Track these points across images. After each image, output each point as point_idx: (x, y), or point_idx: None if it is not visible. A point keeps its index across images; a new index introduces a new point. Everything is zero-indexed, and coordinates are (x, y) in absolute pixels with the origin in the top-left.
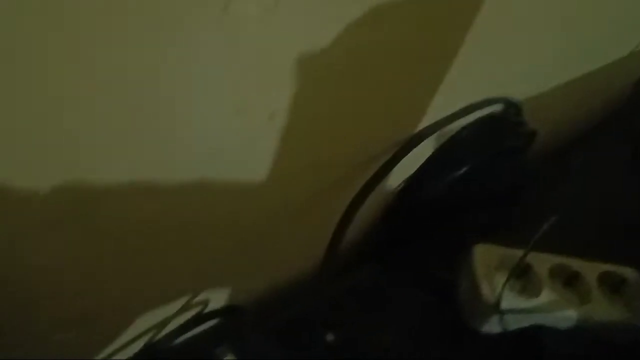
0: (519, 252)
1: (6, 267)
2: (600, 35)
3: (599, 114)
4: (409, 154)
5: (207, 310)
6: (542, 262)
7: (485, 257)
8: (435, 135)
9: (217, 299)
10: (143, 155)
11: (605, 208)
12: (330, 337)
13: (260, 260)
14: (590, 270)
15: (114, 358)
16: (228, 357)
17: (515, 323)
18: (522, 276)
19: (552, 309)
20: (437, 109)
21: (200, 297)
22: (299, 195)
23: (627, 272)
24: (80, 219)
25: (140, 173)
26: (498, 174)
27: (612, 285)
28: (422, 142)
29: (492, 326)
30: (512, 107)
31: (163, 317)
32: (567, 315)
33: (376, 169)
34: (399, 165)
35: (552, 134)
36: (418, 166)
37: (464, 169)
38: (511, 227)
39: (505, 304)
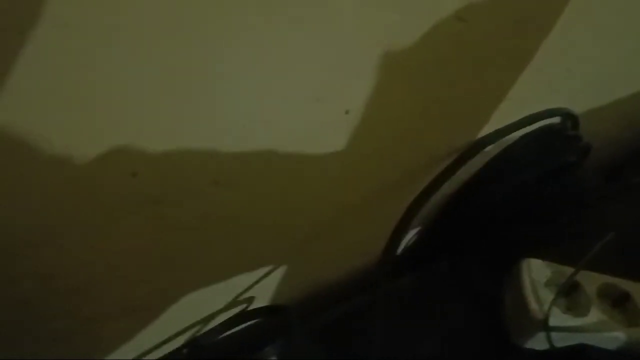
0: (568, 269)
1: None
2: None
3: None
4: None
5: (251, 307)
6: (592, 281)
7: (534, 271)
8: (495, 143)
9: (263, 296)
10: (216, 139)
11: None
12: (371, 341)
13: (312, 259)
14: None
15: (159, 350)
16: (273, 358)
17: (560, 341)
18: (570, 294)
19: (599, 329)
20: (499, 116)
21: (247, 294)
22: (360, 193)
23: None
24: (142, 209)
25: (210, 157)
26: (552, 187)
27: None
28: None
29: (537, 343)
30: (570, 120)
31: (209, 312)
32: (614, 336)
33: (437, 174)
34: (457, 171)
35: (607, 149)
36: (471, 174)
37: (518, 180)
38: (561, 244)
39: (552, 321)
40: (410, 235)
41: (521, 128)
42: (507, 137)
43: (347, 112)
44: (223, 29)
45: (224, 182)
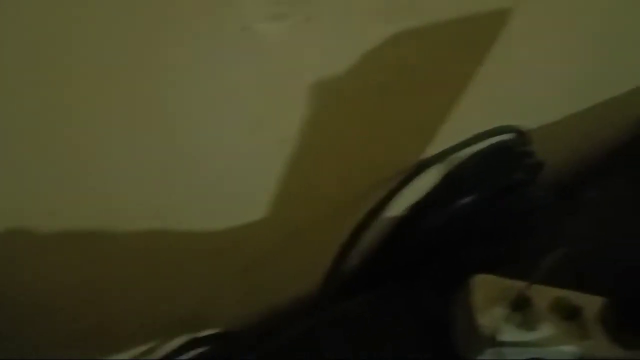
0: (519, 284)
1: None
2: (613, 65)
3: (607, 147)
4: (414, 182)
5: (202, 334)
6: (543, 295)
7: (485, 287)
8: (443, 162)
9: (214, 323)
10: (150, 174)
11: (612, 243)
12: None
13: (259, 285)
14: (593, 305)
15: None
16: None
17: (512, 356)
18: (521, 309)
19: (550, 343)
20: (447, 136)
21: (197, 321)
22: (303, 219)
23: None
24: (80, 243)
25: (144, 195)
26: (503, 205)
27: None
28: (428, 170)
29: (488, 358)
30: (520, 137)
31: (159, 339)
32: (566, 351)
33: (382, 196)
34: (404, 192)
35: (559, 165)
36: (423, 194)
37: (468, 199)
38: (513, 260)
39: (502, 337)
40: (361, 257)
41: (469, 146)
42: (460, 155)
43: (283, 140)
44: (149, 64)
45: (163, 216)
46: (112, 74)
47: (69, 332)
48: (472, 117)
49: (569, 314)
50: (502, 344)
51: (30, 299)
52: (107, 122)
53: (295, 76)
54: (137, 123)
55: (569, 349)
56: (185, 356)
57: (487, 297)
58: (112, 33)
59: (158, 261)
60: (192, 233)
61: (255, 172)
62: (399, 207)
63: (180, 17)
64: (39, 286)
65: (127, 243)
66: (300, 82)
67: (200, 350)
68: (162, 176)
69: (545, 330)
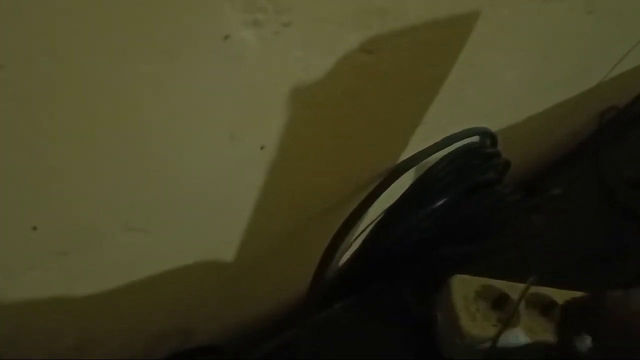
0: (497, 282)
1: None
2: (571, 66)
3: (568, 144)
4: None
5: (186, 348)
6: (519, 292)
7: (463, 287)
8: (416, 166)
9: (198, 336)
10: (128, 185)
11: (578, 239)
12: None
13: (243, 296)
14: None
15: None
16: None
17: (493, 353)
18: (500, 306)
19: (529, 338)
20: (418, 140)
21: (181, 335)
22: (283, 228)
23: None
24: (58, 259)
25: (123, 207)
26: (474, 205)
27: None
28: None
29: (470, 357)
30: (488, 138)
31: (142, 355)
32: (544, 344)
33: (358, 202)
34: (381, 198)
35: (523, 164)
36: (396, 199)
37: (441, 200)
38: (486, 257)
39: (483, 334)
40: (343, 261)
41: (439, 150)
42: (431, 159)
43: (262, 148)
44: (124, 75)
45: (144, 228)
46: (89, 84)
47: (49, 352)
48: (442, 121)
49: (545, 309)
50: (483, 341)
51: (10, 320)
52: (83, 131)
53: (272, 83)
54: (113, 133)
55: (547, 342)
56: None
57: (466, 296)
58: (90, 39)
59: (140, 275)
60: (174, 244)
61: (235, 181)
62: (377, 211)
63: (158, 26)
64: (19, 306)
65: (108, 258)
66: (277, 89)
67: None
68: (141, 187)
69: (524, 325)
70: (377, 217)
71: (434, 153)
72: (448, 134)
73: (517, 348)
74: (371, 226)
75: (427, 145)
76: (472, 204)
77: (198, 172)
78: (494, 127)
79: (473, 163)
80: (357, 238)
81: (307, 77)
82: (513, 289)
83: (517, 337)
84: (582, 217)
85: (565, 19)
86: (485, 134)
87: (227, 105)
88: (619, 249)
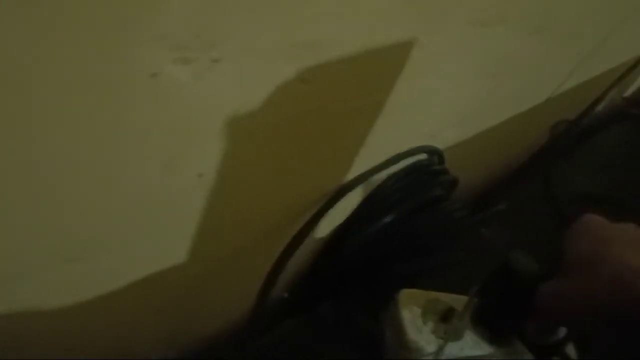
0: (443, 296)
1: None
2: (519, 84)
3: (520, 158)
4: (336, 206)
5: None
6: (464, 305)
7: (410, 301)
8: (363, 185)
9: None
10: (64, 215)
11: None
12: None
13: (186, 320)
14: None
15: None
16: None
17: None
18: (446, 319)
19: (475, 350)
20: (365, 159)
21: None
22: (228, 251)
23: None
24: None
25: (60, 236)
26: (422, 221)
27: None
28: (349, 194)
29: None
30: (435, 156)
31: None
32: (489, 355)
33: (304, 222)
34: (328, 216)
35: (473, 180)
36: (346, 216)
37: (390, 217)
38: (435, 273)
39: (429, 348)
40: (288, 282)
41: (385, 169)
42: (379, 177)
43: (200, 176)
44: (56, 113)
45: (82, 257)
46: (17, 117)
47: None
48: (387, 142)
49: None
50: (430, 355)
51: None
52: (16, 161)
53: (208, 114)
54: (43, 165)
55: (492, 354)
56: None
57: (414, 310)
58: (16, 78)
59: (81, 299)
60: (113, 272)
61: (173, 208)
62: (324, 230)
63: (86, 64)
64: None
65: (45, 289)
66: (213, 120)
67: None
68: (78, 217)
69: (469, 338)
70: (328, 236)
71: (379, 172)
72: (392, 154)
73: (460, 357)
74: (322, 244)
75: (373, 166)
76: (419, 221)
77: (131, 202)
78: (441, 145)
79: (420, 180)
80: (309, 255)
81: (245, 106)
82: (460, 302)
83: (461, 349)
84: (530, 231)
85: (509, 41)
86: (431, 152)
87: (158, 137)
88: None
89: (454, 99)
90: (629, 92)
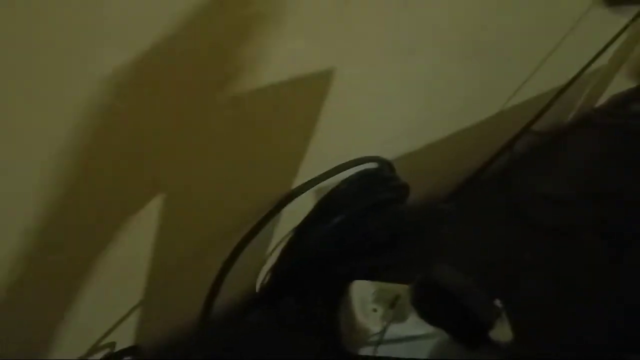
0: (392, 286)
1: None
2: (463, 99)
3: (477, 165)
4: (290, 210)
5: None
6: (407, 293)
7: (361, 290)
8: (314, 190)
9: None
10: None
11: (482, 249)
12: None
13: (157, 309)
14: None
15: None
16: None
17: (388, 346)
18: (394, 305)
19: (417, 330)
20: (314, 168)
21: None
22: (180, 255)
23: None
24: None
25: None
26: (374, 222)
27: None
28: (304, 198)
29: (366, 350)
30: (384, 165)
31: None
32: (429, 335)
33: (250, 228)
34: (289, 218)
35: (430, 186)
36: (303, 218)
37: (340, 218)
38: (388, 267)
39: (375, 330)
40: (252, 279)
41: (330, 177)
42: (331, 183)
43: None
44: None
45: None
46: None
47: None
48: (332, 151)
49: None
50: (375, 335)
51: None
52: None
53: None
54: None
55: (431, 333)
56: None
57: (364, 298)
58: None
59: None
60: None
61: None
62: (283, 231)
63: None
64: None
65: None
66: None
67: None
68: None
69: (412, 320)
70: (286, 236)
71: (325, 179)
72: (341, 163)
73: (405, 339)
74: (282, 245)
75: (321, 173)
76: (372, 221)
77: None
78: (394, 154)
79: (370, 185)
80: (270, 255)
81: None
82: (404, 289)
83: (404, 329)
84: (489, 229)
85: (441, 65)
86: (379, 161)
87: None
88: (518, 258)
89: (391, 116)
90: (599, 103)
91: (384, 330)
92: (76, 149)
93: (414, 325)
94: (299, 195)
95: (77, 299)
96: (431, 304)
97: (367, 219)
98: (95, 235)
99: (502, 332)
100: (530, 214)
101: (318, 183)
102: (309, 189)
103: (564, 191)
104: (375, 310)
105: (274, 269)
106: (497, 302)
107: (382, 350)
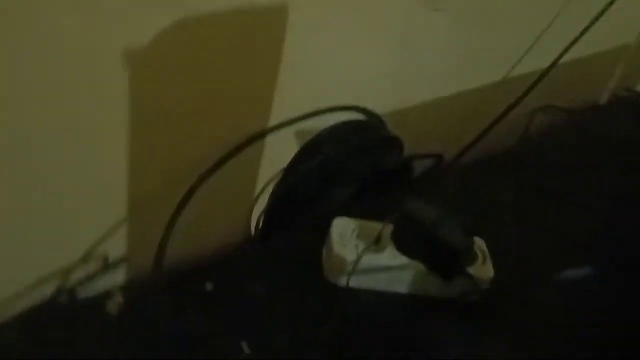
0: (372, 223)
1: None
2: (463, 59)
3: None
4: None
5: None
6: (387, 228)
7: (343, 226)
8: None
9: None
10: None
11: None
12: (209, 286)
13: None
14: None
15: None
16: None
17: (366, 277)
18: (378, 241)
19: (392, 261)
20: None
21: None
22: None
23: None
24: None
25: None
26: (363, 166)
27: None
28: (289, 143)
29: (344, 279)
30: (373, 117)
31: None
32: (404, 266)
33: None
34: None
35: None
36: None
37: (323, 156)
38: (367, 205)
39: (351, 258)
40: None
41: (311, 117)
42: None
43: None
44: None
45: None
46: None
47: None
48: (308, 95)
49: None
50: (352, 264)
51: None
52: None
53: None
54: None
55: (407, 264)
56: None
57: (344, 233)
58: None
59: None
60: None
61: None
62: (272, 172)
63: None
64: None
65: None
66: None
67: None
68: None
69: (389, 252)
70: (276, 177)
71: (298, 122)
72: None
73: (381, 269)
74: (274, 186)
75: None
76: (357, 163)
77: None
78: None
79: (356, 131)
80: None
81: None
82: (385, 227)
83: (380, 259)
84: (486, 184)
85: (416, 17)
86: (366, 111)
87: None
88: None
89: (363, 65)
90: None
91: (358, 259)
92: None
93: (391, 256)
94: (269, 134)
95: None
96: (408, 236)
97: (352, 159)
98: None
99: (483, 269)
100: (536, 180)
101: (295, 122)
102: (284, 127)
103: (579, 163)
104: (356, 246)
105: (265, 210)
106: (479, 240)
107: (360, 282)
